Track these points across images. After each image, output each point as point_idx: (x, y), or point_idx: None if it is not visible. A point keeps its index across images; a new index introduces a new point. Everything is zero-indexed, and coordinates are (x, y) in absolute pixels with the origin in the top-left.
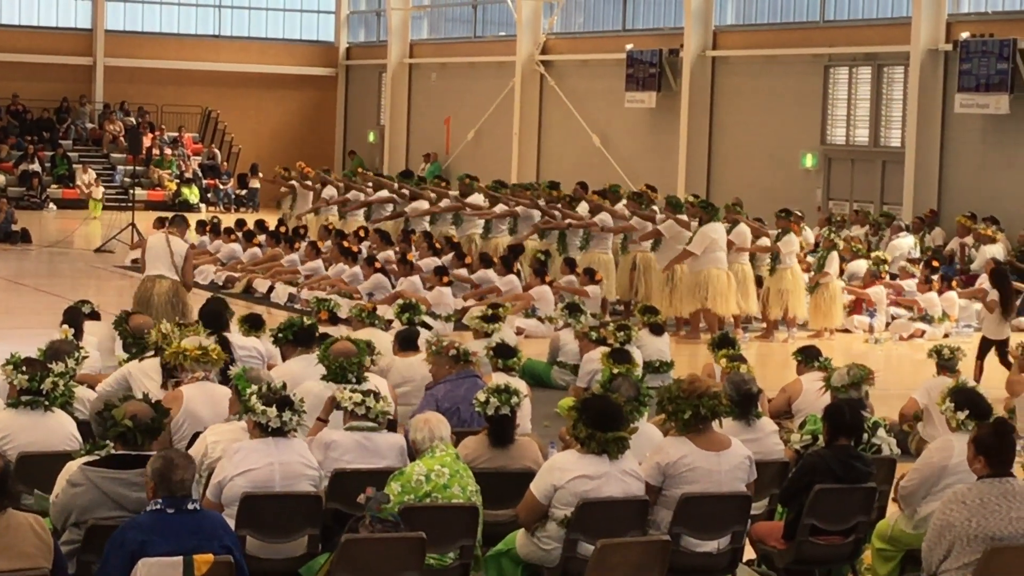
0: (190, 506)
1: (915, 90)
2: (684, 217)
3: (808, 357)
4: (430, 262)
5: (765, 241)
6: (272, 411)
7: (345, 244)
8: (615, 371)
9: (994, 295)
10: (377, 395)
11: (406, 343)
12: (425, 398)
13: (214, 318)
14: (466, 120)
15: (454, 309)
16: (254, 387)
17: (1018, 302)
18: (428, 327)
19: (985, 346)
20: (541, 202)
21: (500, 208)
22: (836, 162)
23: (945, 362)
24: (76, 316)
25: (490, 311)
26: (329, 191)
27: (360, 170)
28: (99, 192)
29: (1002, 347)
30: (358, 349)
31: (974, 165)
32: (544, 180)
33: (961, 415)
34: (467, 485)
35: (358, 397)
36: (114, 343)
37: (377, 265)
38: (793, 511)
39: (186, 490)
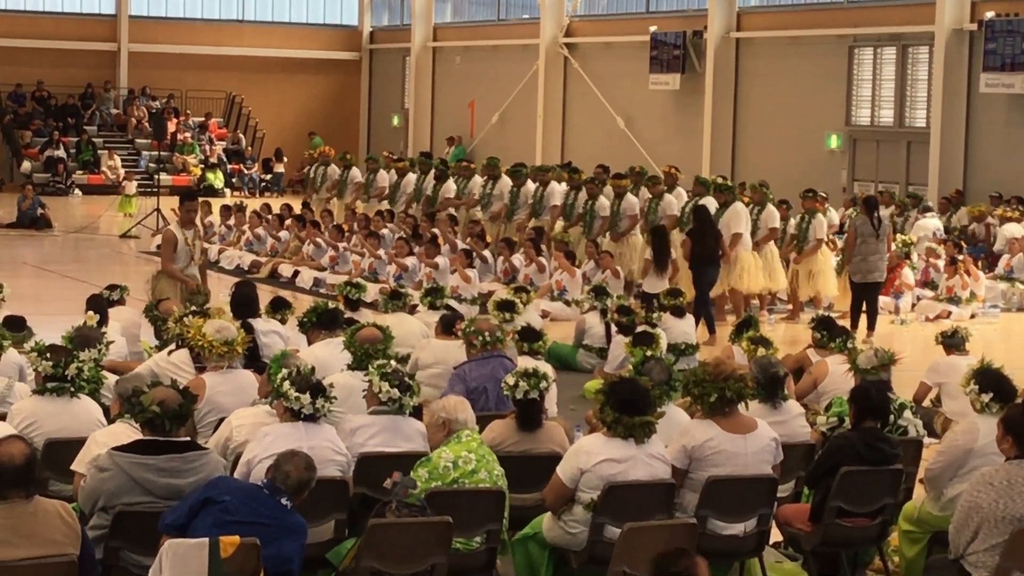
0: (284, 501)
1: (940, 70)
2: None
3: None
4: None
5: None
6: (306, 398)
7: (371, 228)
8: (648, 353)
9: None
10: (410, 389)
11: (447, 327)
12: (453, 377)
13: (246, 304)
14: (490, 103)
15: (479, 292)
16: (284, 371)
17: None
18: (452, 310)
19: (645, 298)
20: (563, 185)
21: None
22: (861, 143)
23: (952, 341)
24: (100, 303)
25: (514, 295)
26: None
27: (385, 153)
28: (132, 187)
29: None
30: (383, 335)
31: (999, 145)
32: (569, 162)
33: (985, 397)
34: (493, 470)
35: (395, 393)
36: (139, 329)
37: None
38: (820, 493)
39: (291, 490)
